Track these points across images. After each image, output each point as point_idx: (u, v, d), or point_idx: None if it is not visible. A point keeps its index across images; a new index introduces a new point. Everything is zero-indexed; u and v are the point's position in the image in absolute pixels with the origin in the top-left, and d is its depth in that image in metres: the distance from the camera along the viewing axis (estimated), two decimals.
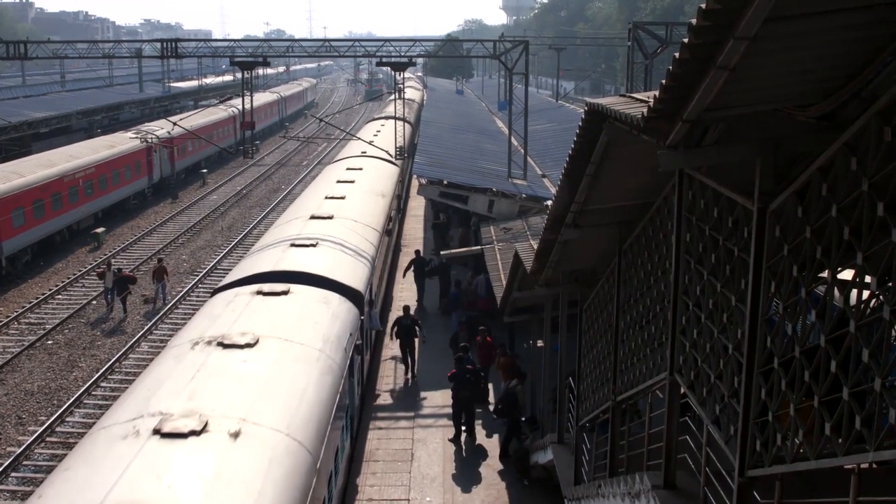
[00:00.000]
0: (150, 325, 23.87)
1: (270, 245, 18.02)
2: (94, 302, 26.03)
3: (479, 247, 23.58)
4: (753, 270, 5.24)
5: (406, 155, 33.53)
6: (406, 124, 37.56)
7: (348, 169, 28.34)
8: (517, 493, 14.79)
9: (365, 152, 31.27)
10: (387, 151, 31.15)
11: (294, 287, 13.63)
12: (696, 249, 6.48)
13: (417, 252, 26.65)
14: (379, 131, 40.11)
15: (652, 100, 4.90)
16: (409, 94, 56.68)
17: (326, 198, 22.68)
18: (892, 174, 3.73)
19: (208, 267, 29.91)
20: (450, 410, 16.98)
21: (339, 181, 25.66)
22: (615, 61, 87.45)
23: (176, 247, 33.65)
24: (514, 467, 15.40)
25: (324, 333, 12.22)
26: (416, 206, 39.43)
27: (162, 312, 24.89)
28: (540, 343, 17.22)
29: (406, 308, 20.33)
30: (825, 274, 4.46)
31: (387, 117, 46.04)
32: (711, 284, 6.11)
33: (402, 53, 31.29)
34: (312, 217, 20.00)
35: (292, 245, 17.22)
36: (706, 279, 6.22)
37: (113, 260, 30.09)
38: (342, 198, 22.75)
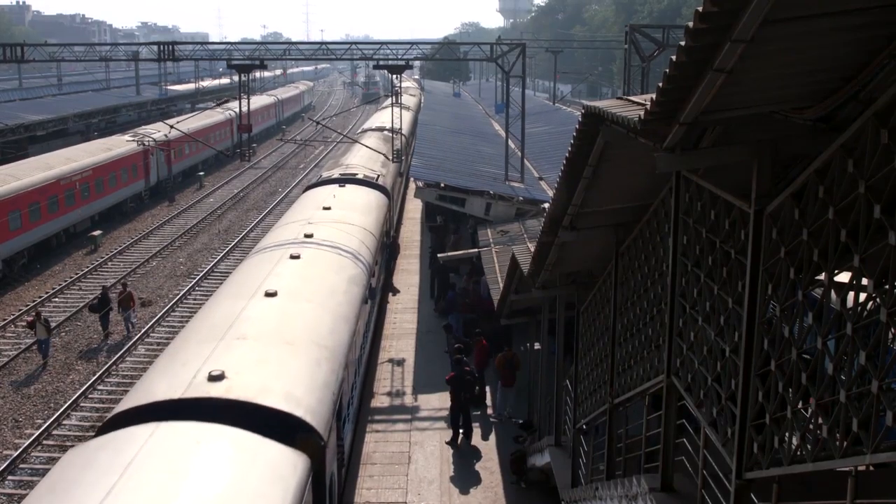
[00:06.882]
0: (146, 328, 23.83)
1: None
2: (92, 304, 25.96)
3: (475, 249, 23.58)
4: (750, 273, 5.24)
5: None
6: (384, 197, 23.12)
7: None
8: (514, 495, 14.78)
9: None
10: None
11: None
12: (692, 252, 6.48)
13: None
14: (313, 228, 17.72)
15: (649, 102, 4.89)
16: (405, 117, 37.05)
17: None
18: (889, 176, 3.73)
19: (205, 270, 29.86)
20: (446, 413, 16.97)
21: None
22: (612, 64, 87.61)
23: (173, 249, 33.60)
24: (511, 470, 15.39)
25: None
26: (413, 208, 39.38)
27: (159, 315, 24.83)
28: (537, 346, 17.22)
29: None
30: (822, 276, 4.46)
31: (346, 178, 25.57)
32: (708, 287, 6.11)
33: (400, 56, 31.33)
34: None
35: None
36: (703, 281, 6.22)
37: (40, 308, 24.44)
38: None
